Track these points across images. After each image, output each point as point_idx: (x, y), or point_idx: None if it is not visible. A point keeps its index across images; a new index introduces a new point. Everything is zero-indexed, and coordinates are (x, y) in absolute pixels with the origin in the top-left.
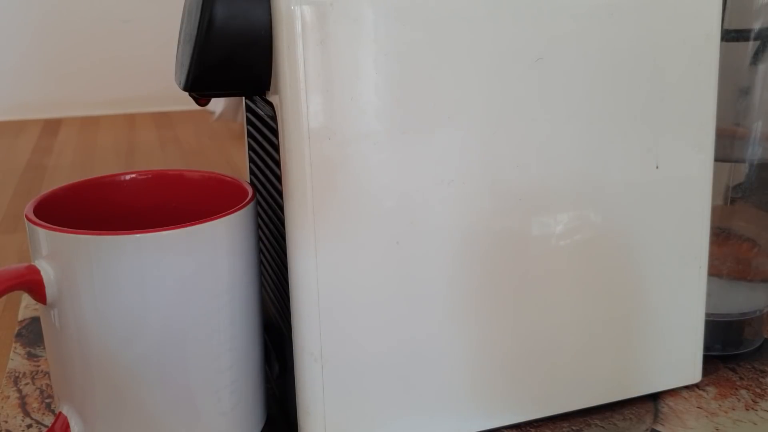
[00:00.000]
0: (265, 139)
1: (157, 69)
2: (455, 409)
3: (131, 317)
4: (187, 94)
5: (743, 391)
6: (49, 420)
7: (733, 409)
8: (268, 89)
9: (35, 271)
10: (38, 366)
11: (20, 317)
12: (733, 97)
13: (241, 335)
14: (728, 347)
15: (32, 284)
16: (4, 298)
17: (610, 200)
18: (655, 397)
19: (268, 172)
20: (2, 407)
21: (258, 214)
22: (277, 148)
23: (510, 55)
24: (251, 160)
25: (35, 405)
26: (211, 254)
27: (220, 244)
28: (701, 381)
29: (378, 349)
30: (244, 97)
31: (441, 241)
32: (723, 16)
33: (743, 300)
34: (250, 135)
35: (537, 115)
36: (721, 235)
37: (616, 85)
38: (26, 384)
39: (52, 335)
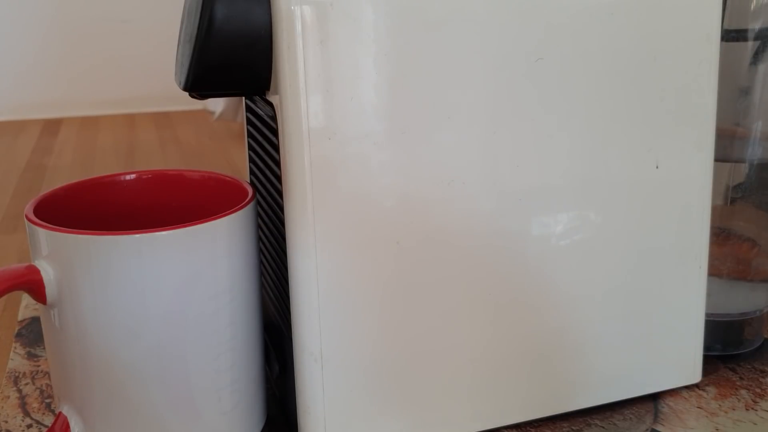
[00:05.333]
0: (265, 139)
1: (157, 69)
2: (455, 409)
3: (131, 317)
4: (187, 94)
5: (743, 391)
6: (49, 420)
7: (733, 409)
8: (268, 89)
9: (35, 271)
10: (38, 366)
11: (20, 317)
12: (733, 97)
13: (241, 335)
14: (728, 347)
15: (32, 284)
16: (4, 298)
17: (610, 200)
18: (655, 397)
19: (268, 172)
20: (2, 407)
21: (258, 214)
22: (277, 148)
23: (510, 55)
24: (251, 160)
25: (35, 405)
26: (211, 254)
27: (220, 244)
28: (701, 381)
29: (378, 349)
30: (244, 97)
31: (441, 241)
32: (723, 16)
33: (743, 300)
34: (250, 135)
35: (537, 115)
36: (721, 235)
37: (617, 85)
38: (26, 384)
39: (52, 335)
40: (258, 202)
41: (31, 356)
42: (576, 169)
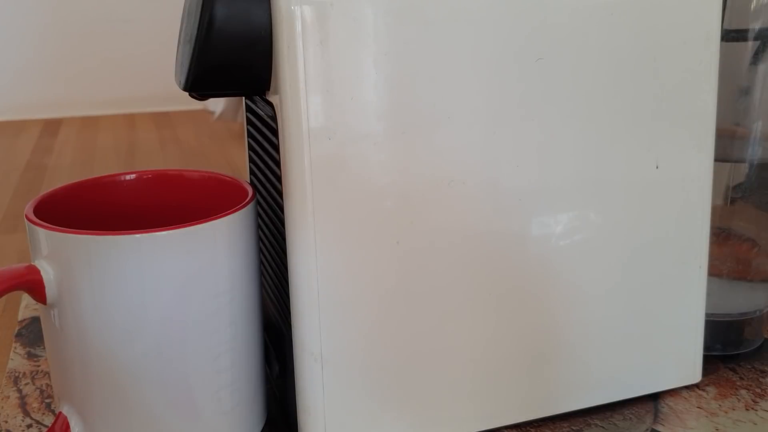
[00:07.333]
0: (265, 139)
1: (157, 69)
2: (455, 409)
3: (131, 317)
4: (187, 94)
5: (743, 391)
6: (49, 420)
7: (733, 409)
8: (268, 89)
9: (35, 271)
10: (38, 366)
11: (20, 317)
12: (733, 97)
13: (241, 335)
14: (728, 347)
15: (32, 284)
16: (4, 298)
17: (610, 200)
18: (655, 397)
19: (268, 172)
20: (2, 407)
21: (258, 214)
22: (277, 148)
23: (510, 55)
24: (251, 160)
25: (35, 405)
26: (211, 254)
27: (220, 244)
28: (701, 381)
29: (378, 348)
30: (244, 97)
31: (441, 241)
32: (723, 16)
33: (743, 300)
34: (250, 135)
35: (537, 115)
36: (721, 235)
37: (617, 85)
38: (26, 384)
39: (52, 335)
40: (258, 202)
41: (31, 356)
42: (576, 169)
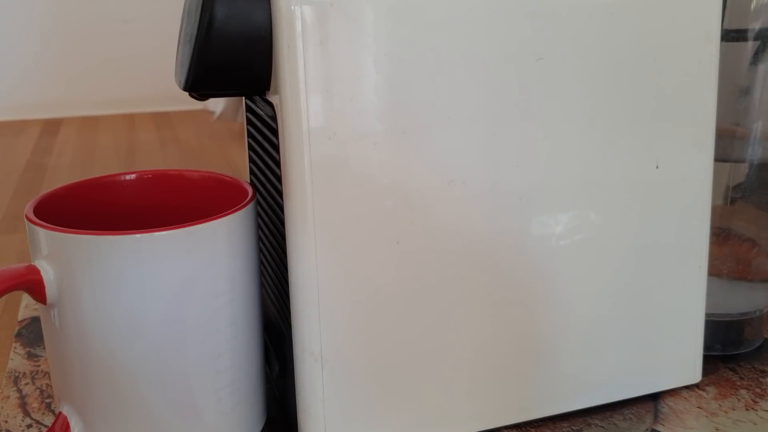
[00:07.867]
0: (265, 139)
1: (157, 69)
2: (455, 408)
3: (131, 317)
4: (187, 94)
5: (743, 391)
6: (49, 420)
7: (733, 409)
8: (268, 89)
9: (35, 271)
10: (38, 366)
11: (20, 317)
12: (733, 97)
13: (241, 335)
14: (728, 347)
15: (32, 284)
16: (4, 298)
17: (610, 200)
18: (655, 397)
19: (268, 172)
20: (2, 407)
21: (258, 214)
22: (277, 148)
23: (510, 55)
24: (251, 160)
25: (35, 405)
26: (211, 254)
27: (220, 244)
28: (701, 381)
29: (378, 348)
30: (244, 97)
31: (441, 241)
32: (723, 16)
33: (743, 300)
34: (250, 135)
35: (537, 115)
36: (721, 235)
37: (616, 85)
38: (26, 384)
39: (52, 335)
40: (258, 202)
41: (31, 356)
42: (576, 169)
